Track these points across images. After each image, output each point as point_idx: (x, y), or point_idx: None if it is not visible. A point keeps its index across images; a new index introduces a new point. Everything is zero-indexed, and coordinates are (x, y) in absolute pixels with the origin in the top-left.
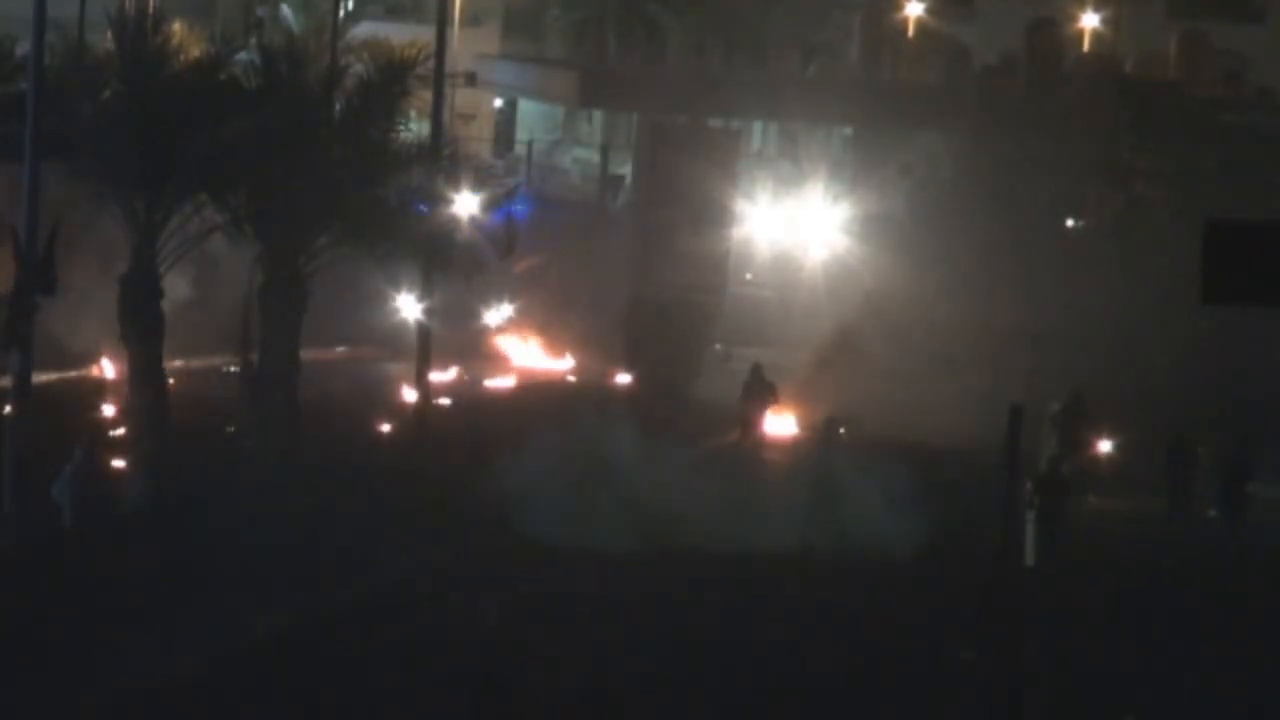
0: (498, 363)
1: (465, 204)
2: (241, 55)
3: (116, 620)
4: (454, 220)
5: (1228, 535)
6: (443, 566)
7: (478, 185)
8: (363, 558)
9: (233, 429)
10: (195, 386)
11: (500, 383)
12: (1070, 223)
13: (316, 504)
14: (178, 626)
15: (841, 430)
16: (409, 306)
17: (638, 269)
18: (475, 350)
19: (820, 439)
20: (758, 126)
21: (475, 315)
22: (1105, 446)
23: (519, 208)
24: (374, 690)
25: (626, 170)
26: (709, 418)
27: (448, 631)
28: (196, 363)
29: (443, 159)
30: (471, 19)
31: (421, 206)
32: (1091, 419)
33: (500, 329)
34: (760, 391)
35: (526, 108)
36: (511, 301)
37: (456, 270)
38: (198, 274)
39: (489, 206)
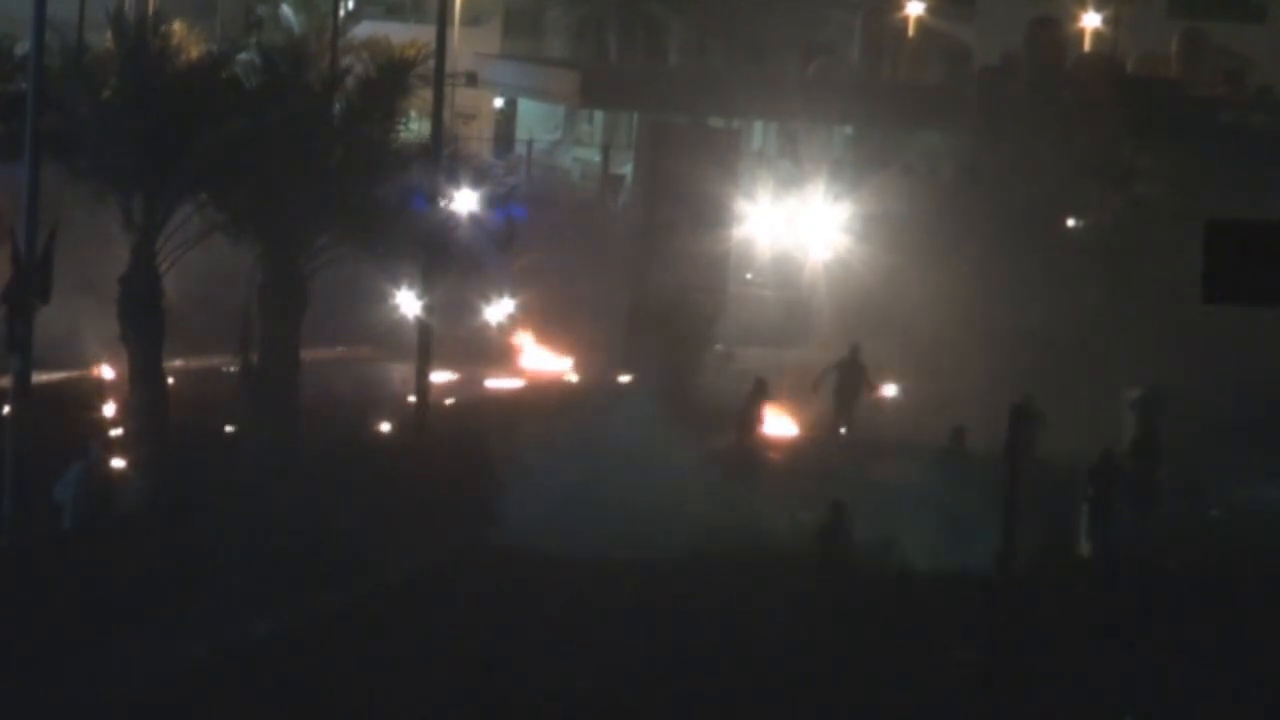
0: (501, 363)
1: (465, 203)
2: (242, 55)
3: (117, 621)
4: (454, 219)
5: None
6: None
7: (478, 184)
8: (361, 559)
9: (232, 429)
10: (195, 386)
11: (502, 383)
12: (1071, 222)
13: (315, 505)
14: (176, 627)
15: (842, 430)
16: (409, 304)
17: (638, 269)
18: (481, 349)
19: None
20: (758, 126)
21: (478, 313)
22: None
23: (519, 207)
24: (371, 692)
25: (627, 170)
26: (714, 418)
27: (438, 635)
28: (195, 363)
29: (443, 159)
30: (472, 18)
31: (421, 206)
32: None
33: (511, 327)
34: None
35: (527, 107)
36: (514, 299)
37: (456, 269)
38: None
39: (489, 205)
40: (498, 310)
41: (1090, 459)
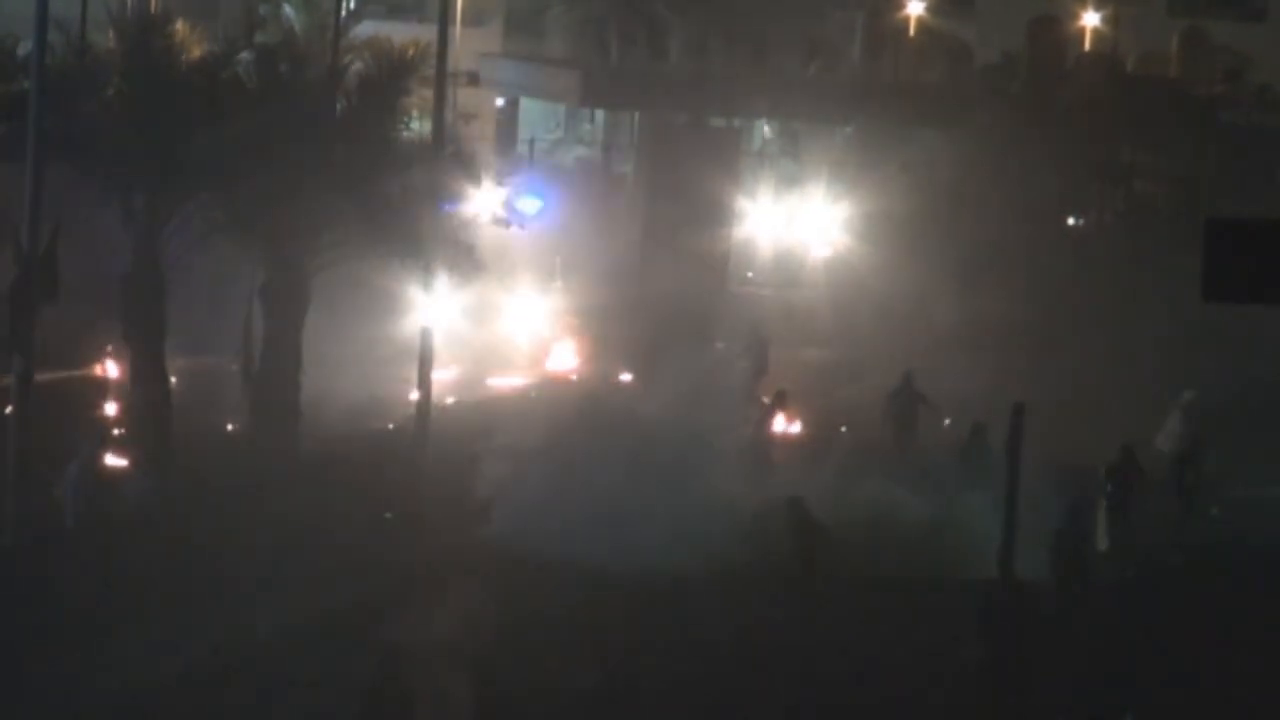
0: (502, 362)
1: (469, 201)
2: (244, 54)
3: (116, 621)
4: (456, 219)
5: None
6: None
7: (480, 184)
8: (362, 560)
9: (233, 427)
10: (196, 385)
11: (504, 382)
12: (1071, 221)
13: (316, 504)
14: (176, 628)
15: (843, 429)
16: (423, 307)
17: (639, 268)
18: (484, 349)
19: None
20: (759, 125)
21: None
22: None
23: (532, 207)
24: (371, 695)
25: (628, 169)
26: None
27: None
28: (198, 362)
29: (444, 158)
30: (474, 18)
31: (424, 205)
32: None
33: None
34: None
35: (528, 106)
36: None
37: (460, 270)
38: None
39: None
40: (500, 309)
41: (1091, 455)
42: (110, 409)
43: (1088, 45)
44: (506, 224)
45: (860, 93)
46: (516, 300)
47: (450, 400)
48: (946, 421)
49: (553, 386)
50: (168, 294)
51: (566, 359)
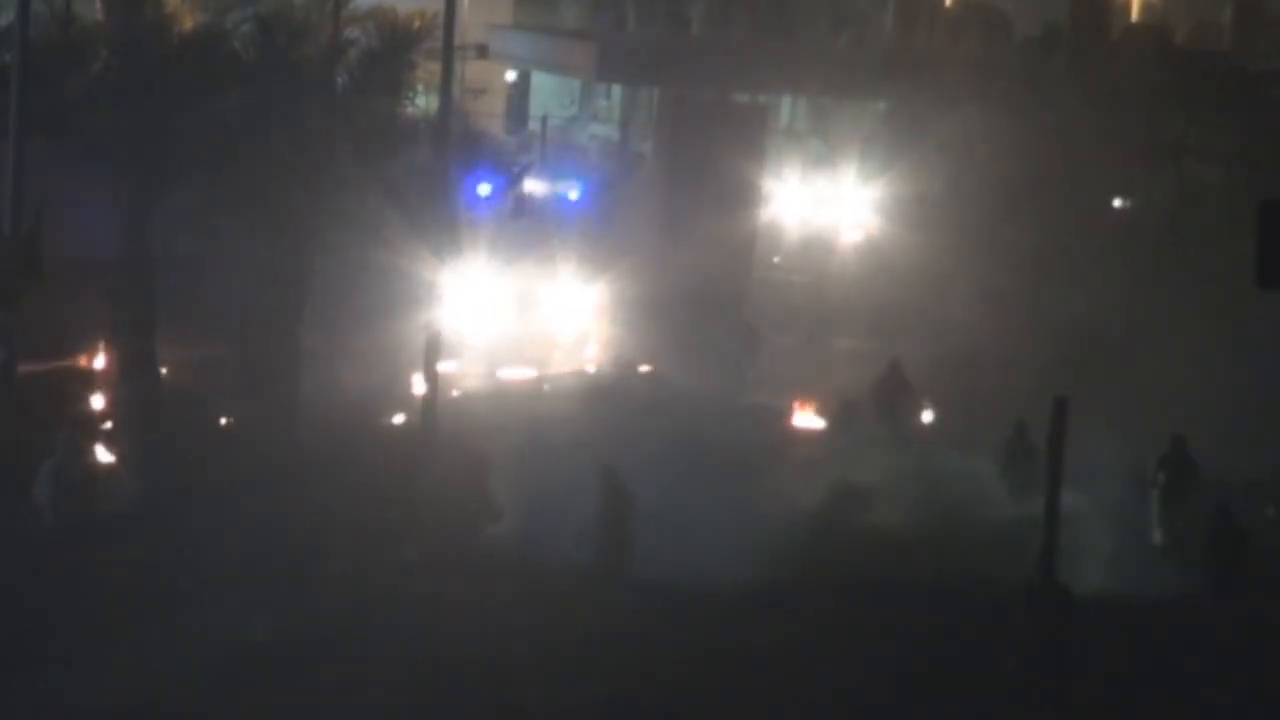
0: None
1: (478, 183)
2: (244, 28)
3: (99, 630)
4: (467, 201)
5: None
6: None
7: (490, 163)
8: (363, 561)
9: (227, 421)
10: (189, 376)
11: (516, 374)
12: (1117, 203)
13: (314, 503)
14: (165, 635)
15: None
16: (431, 294)
17: (659, 252)
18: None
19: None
20: (786, 101)
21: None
22: None
23: (578, 195)
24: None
25: (647, 148)
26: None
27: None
28: (191, 352)
29: (451, 135)
30: None
31: (430, 185)
32: None
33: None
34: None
35: (541, 81)
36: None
37: (470, 254)
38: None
39: (503, 185)
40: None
41: (1138, 449)
42: (97, 402)
43: (1135, 16)
44: (520, 212)
45: (893, 66)
46: (532, 287)
47: (455, 393)
48: (928, 415)
49: (568, 379)
50: (159, 279)
51: (584, 349)
